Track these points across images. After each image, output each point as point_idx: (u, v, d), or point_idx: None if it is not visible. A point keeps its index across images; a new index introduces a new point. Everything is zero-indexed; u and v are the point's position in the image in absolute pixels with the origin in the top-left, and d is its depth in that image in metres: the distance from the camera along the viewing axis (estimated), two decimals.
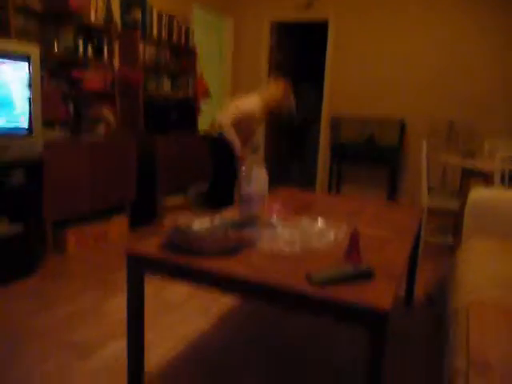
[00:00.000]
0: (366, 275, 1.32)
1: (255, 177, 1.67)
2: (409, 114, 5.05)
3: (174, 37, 4.45)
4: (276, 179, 5.88)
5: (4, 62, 2.48)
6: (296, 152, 7.14)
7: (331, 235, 1.66)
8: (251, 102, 3.42)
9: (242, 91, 5.82)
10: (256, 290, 1.29)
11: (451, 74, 4.84)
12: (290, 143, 6.84)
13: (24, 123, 2.61)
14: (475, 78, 4.75)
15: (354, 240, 1.45)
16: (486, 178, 3.08)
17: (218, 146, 3.47)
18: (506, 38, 4.58)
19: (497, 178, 2.78)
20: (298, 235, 1.62)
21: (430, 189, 3.72)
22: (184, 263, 1.38)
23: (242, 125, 3.46)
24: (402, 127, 4.95)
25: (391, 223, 2.04)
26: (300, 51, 6.77)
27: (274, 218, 1.79)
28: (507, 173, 2.75)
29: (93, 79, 3.55)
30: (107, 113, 3.69)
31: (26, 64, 2.58)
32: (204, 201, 4.69)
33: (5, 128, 2.51)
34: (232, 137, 3.32)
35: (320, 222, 1.81)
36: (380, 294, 1.20)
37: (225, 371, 1.85)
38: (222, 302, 2.51)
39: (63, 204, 3.09)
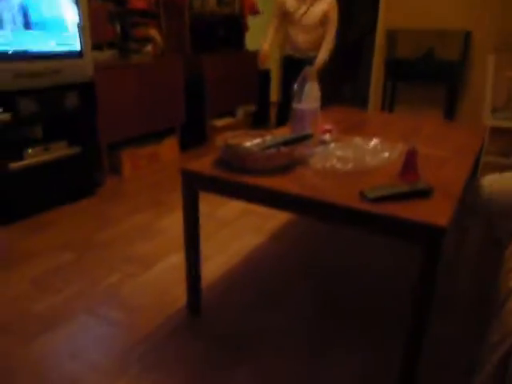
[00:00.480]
0: (423, 193, 1.27)
1: (307, 92, 1.60)
2: (475, 25, 4.57)
3: None
4: (328, 98, 5.67)
5: None
6: (349, 70, 6.78)
7: (386, 154, 1.60)
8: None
9: None
10: (308, 207, 1.29)
11: None
12: (343, 60, 6.48)
13: (74, 45, 2.61)
14: None
15: (410, 158, 1.39)
16: None
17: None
18: None
19: None
20: (352, 153, 1.57)
21: (493, 108, 3.47)
22: (236, 180, 1.39)
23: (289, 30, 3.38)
24: (467, 40, 4.52)
25: (450, 143, 1.94)
26: None
27: (327, 136, 1.74)
28: None
29: None
30: (154, 32, 3.62)
31: None
32: (254, 121, 4.65)
33: (57, 51, 2.53)
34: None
35: (374, 141, 1.74)
36: (437, 211, 1.16)
37: (273, 285, 1.93)
38: (275, 219, 2.56)
39: (116, 127, 3.16)
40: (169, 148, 3.69)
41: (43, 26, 2.43)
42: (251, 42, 4.80)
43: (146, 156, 3.47)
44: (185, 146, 3.89)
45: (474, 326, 1.66)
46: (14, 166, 2.41)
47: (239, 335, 1.60)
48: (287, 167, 1.47)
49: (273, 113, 5.00)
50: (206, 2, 4.18)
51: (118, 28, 3.42)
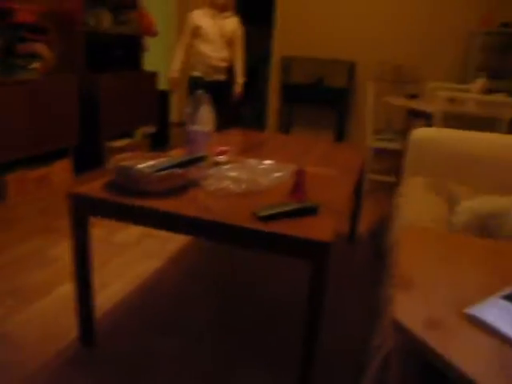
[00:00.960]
0: (311, 211, 1.36)
1: (201, 115, 1.63)
2: (359, 57, 5.05)
3: None
4: (229, 121, 5.79)
5: None
6: (247, 94, 7.01)
7: (278, 174, 1.68)
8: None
9: None
10: (202, 229, 1.30)
11: (400, 19, 4.84)
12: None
13: None
14: (422, 23, 4.78)
15: (299, 178, 1.48)
16: (429, 119, 3.18)
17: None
18: None
19: (437, 118, 2.89)
20: (245, 174, 1.62)
21: (376, 130, 3.82)
22: (128, 203, 1.36)
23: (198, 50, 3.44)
24: (352, 69, 4.96)
25: (337, 162, 2.09)
26: None
27: (221, 158, 1.78)
28: (447, 113, 2.86)
29: (24, 10, 3.24)
30: (42, 49, 3.42)
31: None
32: (152, 142, 4.58)
33: None
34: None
35: (267, 162, 1.82)
36: (322, 228, 1.24)
37: (174, 308, 1.90)
38: (175, 242, 2.53)
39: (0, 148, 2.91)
40: (61, 171, 3.47)
41: None
42: (150, 62, 4.77)
43: (35, 180, 3.23)
44: (80, 169, 3.70)
45: (366, 335, 1.79)
46: None
47: (134, 364, 1.54)
48: (181, 189, 1.47)
49: (172, 133, 4.97)
50: (101, 20, 4.08)
51: (1, 42, 3.18)
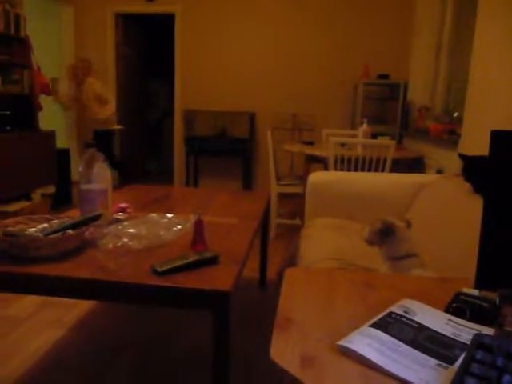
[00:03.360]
0: (211, 261, 1.37)
1: (96, 172, 1.60)
2: (258, 108, 5.33)
3: (1, 24, 3.98)
4: (133, 177, 5.70)
5: None
6: (152, 148, 7.01)
7: (179, 227, 1.68)
8: None
9: None
10: (100, 290, 1.25)
11: (294, 71, 5.24)
12: (146, 139, 6.69)
13: None
14: (314, 74, 5.22)
15: (198, 229, 1.49)
16: (325, 163, 3.42)
17: None
18: (338, 38, 5.12)
19: (331, 162, 3.11)
20: (145, 229, 1.60)
21: (279, 176, 4.00)
22: (17, 272, 1.27)
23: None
24: (252, 119, 5.21)
25: (239, 210, 2.15)
26: (152, 47, 6.64)
27: (120, 215, 1.74)
28: (339, 157, 3.10)
29: None
30: None
31: None
32: (54, 202, 4.34)
33: None
34: None
35: (168, 215, 1.81)
36: (222, 277, 1.26)
37: (84, 379, 1.76)
38: (77, 308, 2.37)
39: None
40: None
41: None
42: (45, 121, 4.59)
43: None
44: None
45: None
46: None
47: None
48: (76, 251, 1.41)
49: (75, 192, 4.77)
50: None
51: None
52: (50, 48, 5.36)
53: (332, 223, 2.34)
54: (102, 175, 1.64)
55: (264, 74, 5.28)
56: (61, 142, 4.72)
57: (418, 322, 0.70)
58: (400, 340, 0.64)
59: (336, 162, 3.11)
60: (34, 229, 1.50)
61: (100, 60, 5.44)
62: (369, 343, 0.61)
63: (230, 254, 1.46)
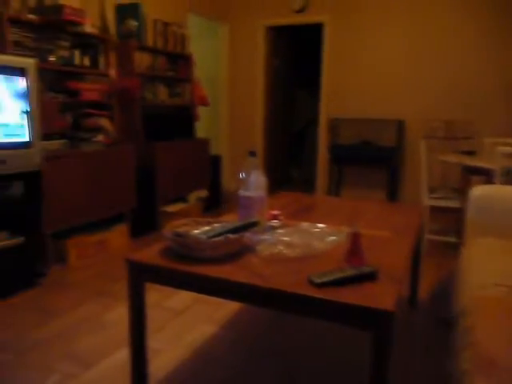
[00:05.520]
0: (369, 276, 1.30)
1: (253, 180, 1.65)
2: (407, 115, 5.04)
3: (170, 44, 4.46)
4: (276, 184, 5.87)
5: (2, 77, 2.48)
6: (295, 156, 7.13)
7: (332, 238, 1.65)
8: None
9: (239, 98, 5.84)
10: (257, 296, 1.28)
11: (449, 75, 4.84)
12: (290, 147, 6.84)
13: (23, 136, 2.61)
14: (473, 77, 4.74)
15: (354, 242, 1.44)
16: (488, 176, 3.06)
17: None
18: (504, 38, 4.57)
19: (498, 174, 2.77)
20: (299, 238, 1.60)
21: (431, 188, 3.71)
22: (183, 270, 1.37)
23: None
24: (400, 128, 4.94)
25: (392, 223, 2.03)
26: (298, 57, 6.78)
27: (274, 222, 1.78)
28: (506, 169, 2.74)
29: (90, 89, 3.55)
30: (105, 122, 3.69)
31: (24, 77, 2.59)
32: (205, 206, 4.68)
33: (3, 142, 2.51)
34: None
35: (321, 225, 1.79)
36: (384, 295, 1.18)
37: (227, 376, 1.83)
38: (227, 307, 2.49)
39: (63, 215, 3.08)
40: (118, 235, 3.60)
41: None
42: (201, 129, 5.00)
43: (94, 244, 3.36)
44: (136, 233, 3.82)
45: None
46: None
47: None
48: (235, 255, 1.46)
49: (224, 197, 5.08)
50: (158, 94, 4.37)
51: (70, 118, 3.47)
52: (208, 63, 5.83)
53: (500, 244, 2.07)
54: (258, 183, 1.68)
55: (412, 78, 4.98)
56: (213, 149, 5.09)
57: None
58: None
59: (503, 174, 2.75)
60: (197, 231, 1.60)
61: (250, 72, 5.73)
62: None
63: (387, 269, 1.37)
